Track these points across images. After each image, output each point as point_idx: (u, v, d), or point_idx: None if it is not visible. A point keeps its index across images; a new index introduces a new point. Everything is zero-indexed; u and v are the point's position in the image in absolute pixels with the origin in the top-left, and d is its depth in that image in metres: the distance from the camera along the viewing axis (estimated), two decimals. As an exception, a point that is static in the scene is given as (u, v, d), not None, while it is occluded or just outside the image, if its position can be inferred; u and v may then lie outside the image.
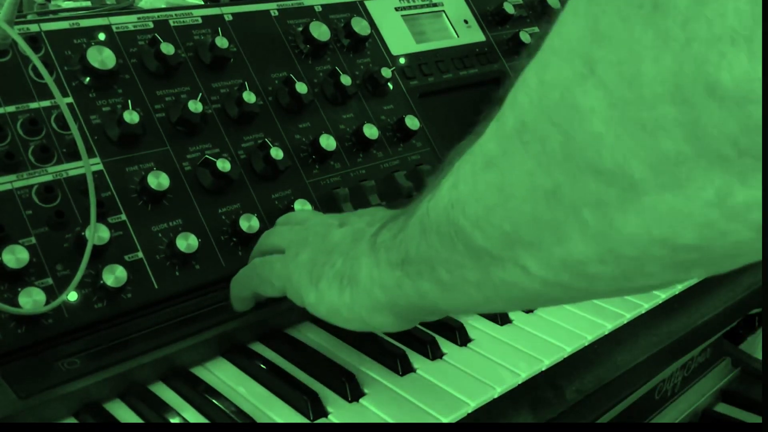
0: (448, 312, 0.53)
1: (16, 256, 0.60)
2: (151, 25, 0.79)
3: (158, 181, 0.69)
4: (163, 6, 0.93)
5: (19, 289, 0.60)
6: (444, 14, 1.03)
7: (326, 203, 0.80)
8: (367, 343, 0.68)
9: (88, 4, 1.07)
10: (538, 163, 0.35)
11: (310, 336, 0.70)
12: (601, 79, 0.30)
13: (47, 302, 0.61)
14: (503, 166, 0.38)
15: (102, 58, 0.72)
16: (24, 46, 0.63)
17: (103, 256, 0.66)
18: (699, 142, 0.28)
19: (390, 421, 0.59)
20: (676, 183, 0.30)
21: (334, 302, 0.56)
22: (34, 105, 0.69)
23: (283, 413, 0.60)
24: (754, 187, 0.29)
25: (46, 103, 0.70)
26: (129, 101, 0.72)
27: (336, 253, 0.57)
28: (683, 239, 0.32)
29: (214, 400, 0.60)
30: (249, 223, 0.72)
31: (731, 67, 0.26)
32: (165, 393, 0.62)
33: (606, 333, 0.72)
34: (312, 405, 0.59)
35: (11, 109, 0.68)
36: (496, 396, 0.63)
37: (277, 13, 0.88)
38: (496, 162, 0.38)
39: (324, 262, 0.57)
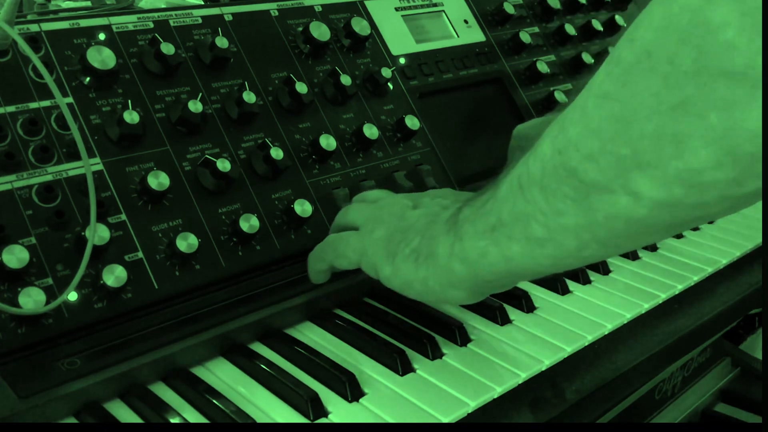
0: (529, 275, 0.58)
1: (16, 256, 0.60)
2: (151, 25, 0.79)
3: (158, 181, 0.69)
4: (163, 6, 0.94)
5: (19, 289, 0.60)
6: (444, 14, 1.03)
7: (326, 203, 0.80)
8: (367, 343, 0.68)
9: (88, 4, 1.07)
10: (665, 82, 0.40)
11: (310, 336, 0.70)
12: None
13: (47, 302, 0.61)
14: (623, 96, 0.43)
15: (102, 58, 0.72)
16: (24, 46, 0.63)
17: (103, 256, 0.66)
18: None
19: (390, 421, 0.59)
20: None
21: (408, 276, 0.61)
22: (34, 105, 0.69)
23: (283, 413, 0.60)
24: None
25: (46, 103, 0.70)
26: (129, 101, 0.72)
27: (412, 231, 0.62)
28: None
29: (214, 400, 0.60)
30: (249, 223, 0.72)
31: None
32: (165, 393, 0.62)
33: (606, 333, 0.72)
34: (312, 405, 0.59)
35: (11, 109, 0.68)
36: (496, 396, 0.63)
37: (277, 13, 0.88)
38: (615, 95, 0.43)
39: (400, 239, 0.63)
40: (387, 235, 0.64)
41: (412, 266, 0.61)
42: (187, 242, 0.69)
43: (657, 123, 0.41)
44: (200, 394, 0.61)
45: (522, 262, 0.53)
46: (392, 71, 0.90)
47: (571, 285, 0.80)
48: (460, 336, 0.69)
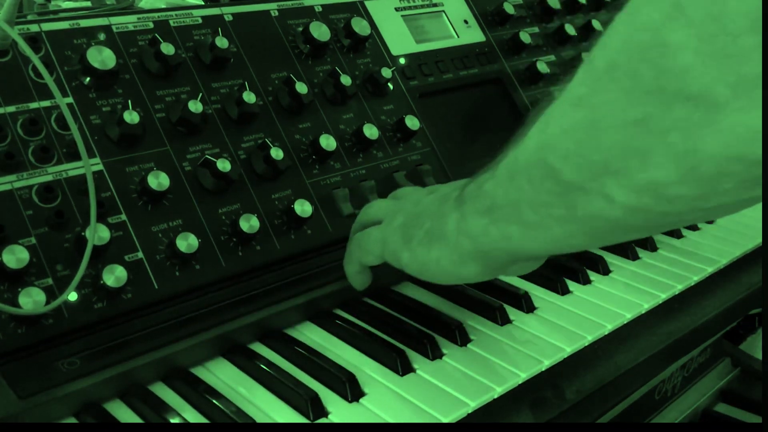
0: (531, 254, 0.59)
1: (16, 256, 0.60)
2: (151, 25, 0.79)
3: (158, 181, 0.69)
4: (163, 6, 0.94)
5: (19, 289, 0.60)
6: (444, 14, 1.03)
7: (326, 203, 0.80)
8: (367, 343, 0.68)
9: (88, 4, 1.07)
10: (628, 96, 0.41)
11: (310, 336, 0.70)
12: (690, 18, 0.36)
13: (47, 302, 0.61)
14: (594, 102, 0.43)
15: (102, 58, 0.72)
16: (24, 46, 0.63)
17: (103, 256, 0.66)
18: None
19: (390, 421, 0.59)
20: (752, 103, 0.35)
21: (423, 259, 0.62)
22: (34, 105, 0.69)
23: (283, 413, 0.60)
24: None
25: (46, 103, 0.70)
26: (129, 101, 0.72)
27: (425, 215, 0.63)
28: (755, 154, 0.37)
29: (214, 400, 0.60)
30: (249, 223, 0.72)
31: None
32: (165, 393, 0.62)
33: (606, 333, 0.72)
34: (312, 405, 0.59)
35: (11, 109, 0.68)
36: (496, 396, 0.63)
37: (277, 13, 0.88)
38: (587, 100, 0.44)
39: (414, 224, 0.63)
40: (404, 223, 0.65)
41: (425, 248, 0.61)
42: (187, 242, 0.69)
43: (623, 135, 0.42)
44: (200, 394, 0.61)
45: (521, 242, 0.54)
46: (392, 71, 0.90)
47: (571, 285, 0.80)
48: (460, 336, 0.69)
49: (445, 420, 0.59)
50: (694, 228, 0.94)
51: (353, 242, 0.71)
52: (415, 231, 0.63)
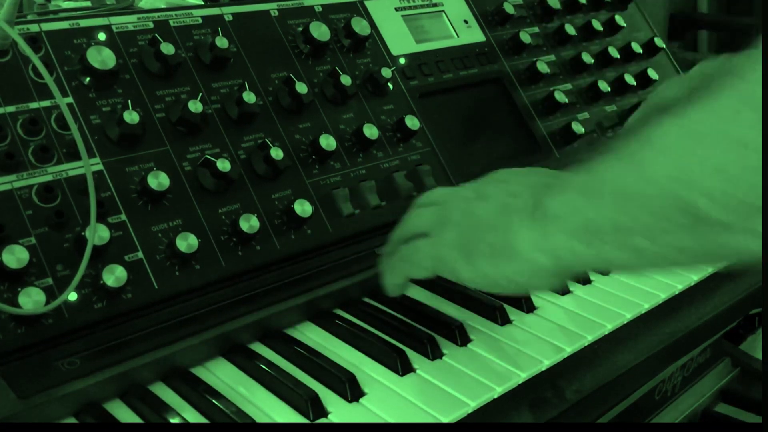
0: (624, 273, 0.58)
1: (16, 256, 0.60)
2: (151, 25, 0.79)
3: (158, 181, 0.69)
4: (163, 6, 0.93)
5: (19, 289, 0.60)
6: (444, 14, 1.03)
7: (326, 203, 0.80)
8: (367, 343, 0.68)
9: (88, 4, 1.07)
10: None
11: (310, 336, 0.70)
12: None
13: (47, 302, 0.61)
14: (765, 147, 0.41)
15: (102, 58, 0.72)
16: (24, 46, 0.63)
17: (103, 256, 0.66)
18: None
19: (390, 421, 0.59)
20: None
21: (490, 274, 0.60)
22: (34, 105, 0.69)
23: (283, 413, 0.60)
24: None
25: (46, 103, 0.70)
26: (129, 101, 0.72)
27: (483, 228, 0.61)
28: None
29: (214, 400, 0.60)
30: (249, 223, 0.72)
31: None
32: (165, 393, 0.62)
33: (606, 333, 0.72)
34: (312, 405, 0.59)
35: (11, 109, 0.68)
36: (496, 396, 0.63)
37: (277, 13, 0.88)
38: (754, 145, 0.43)
39: (473, 238, 0.61)
40: (459, 236, 0.62)
41: (491, 263, 0.59)
42: (187, 242, 0.69)
43: None
44: (200, 394, 0.61)
45: (620, 264, 0.53)
46: (392, 71, 0.90)
47: (571, 285, 0.79)
48: (460, 336, 0.69)
49: (445, 420, 0.59)
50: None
51: (401, 257, 0.68)
52: (475, 245, 0.61)
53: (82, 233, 0.64)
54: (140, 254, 0.68)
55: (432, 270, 0.65)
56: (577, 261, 0.55)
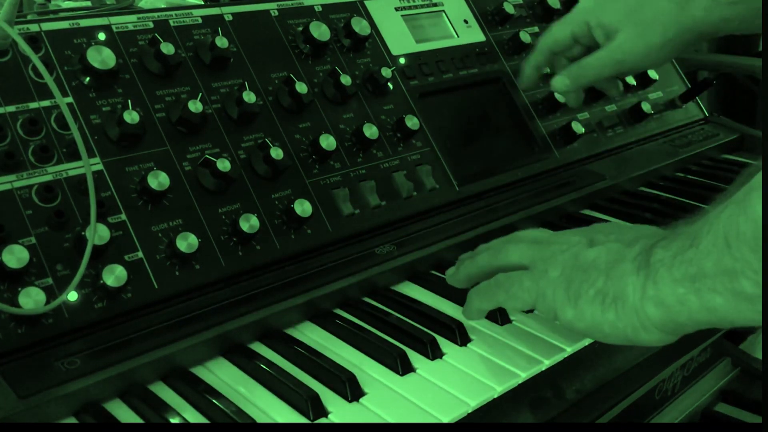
0: (732, 326, 0.56)
1: (16, 256, 0.60)
2: (151, 25, 0.79)
3: (158, 181, 0.69)
4: (163, 6, 0.93)
5: (19, 289, 0.60)
6: (444, 14, 1.03)
7: (326, 203, 0.80)
8: (367, 343, 0.68)
9: (88, 4, 1.07)
10: None
11: (310, 336, 0.70)
12: None
13: (47, 302, 0.61)
14: None
15: (102, 58, 0.72)
16: (24, 46, 0.63)
17: (103, 256, 0.66)
18: None
19: (390, 421, 0.59)
20: None
21: (595, 320, 0.59)
22: (34, 105, 0.69)
23: (283, 413, 0.60)
24: None
25: (46, 103, 0.70)
26: (129, 101, 0.72)
27: (594, 271, 0.60)
28: None
29: (214, 400, 0.60)
30: (249, 223, 0.72)
31: None
32: (165, 393, 0.62)
33: (606, 333, 0.72)
34: (312, 405, 0.59)
35: (11, 109, 0.68)
36: (496, 396, 0.63)
37: (277, 13, 0.88)
38: None
39: (582, 280, 0.60)
40: (566, 276, 0.62)
41: (598, 309, 0.59)
42: (187, 242, 0.69)
43: None
44: (200, 394, 0.61)
45: (726, 314, 0.52)
46: (392, 71, 0.90)
47: (571, 285, 0.79)
48: (460, 336, 0.69)
49: (445, 420, 0.59)
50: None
51: (499, 285, 0.67)
52: (583, 288, 0.60)
53: (82, 233, 0.64)
54: (140, 254, 0.68)
55: (531, 304, 0.64)
56: (685, 312, 0.54)
